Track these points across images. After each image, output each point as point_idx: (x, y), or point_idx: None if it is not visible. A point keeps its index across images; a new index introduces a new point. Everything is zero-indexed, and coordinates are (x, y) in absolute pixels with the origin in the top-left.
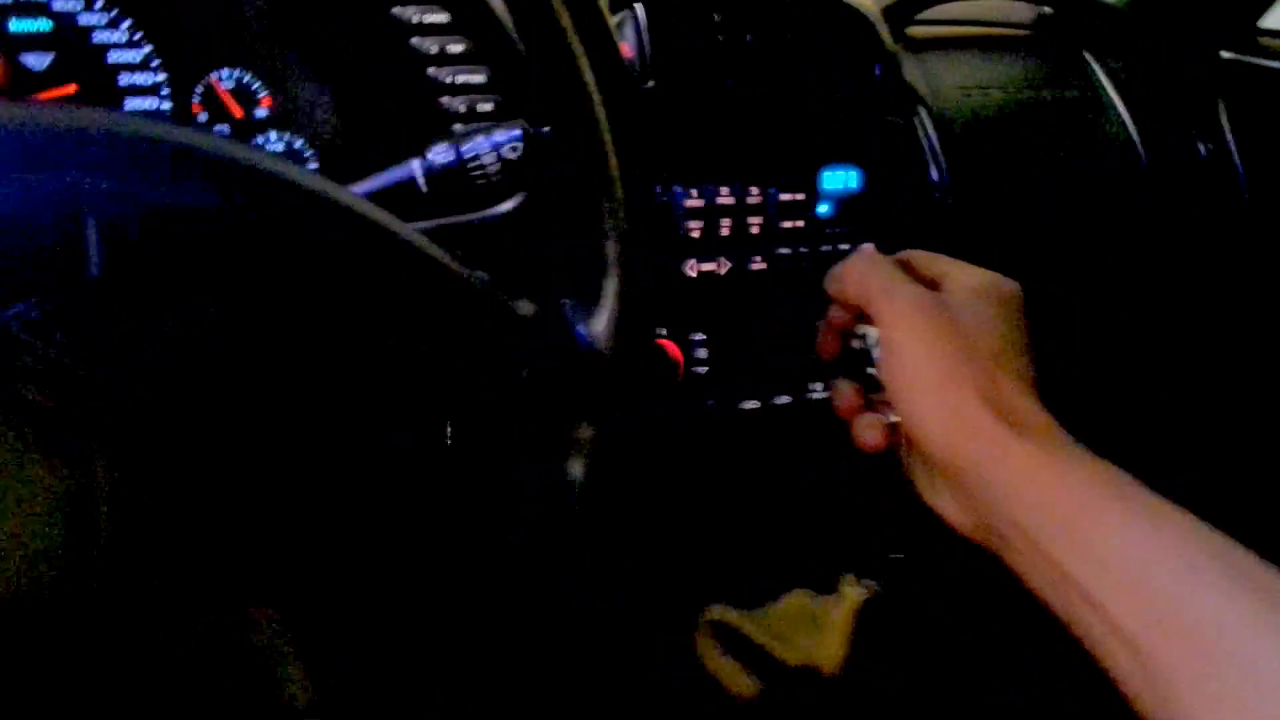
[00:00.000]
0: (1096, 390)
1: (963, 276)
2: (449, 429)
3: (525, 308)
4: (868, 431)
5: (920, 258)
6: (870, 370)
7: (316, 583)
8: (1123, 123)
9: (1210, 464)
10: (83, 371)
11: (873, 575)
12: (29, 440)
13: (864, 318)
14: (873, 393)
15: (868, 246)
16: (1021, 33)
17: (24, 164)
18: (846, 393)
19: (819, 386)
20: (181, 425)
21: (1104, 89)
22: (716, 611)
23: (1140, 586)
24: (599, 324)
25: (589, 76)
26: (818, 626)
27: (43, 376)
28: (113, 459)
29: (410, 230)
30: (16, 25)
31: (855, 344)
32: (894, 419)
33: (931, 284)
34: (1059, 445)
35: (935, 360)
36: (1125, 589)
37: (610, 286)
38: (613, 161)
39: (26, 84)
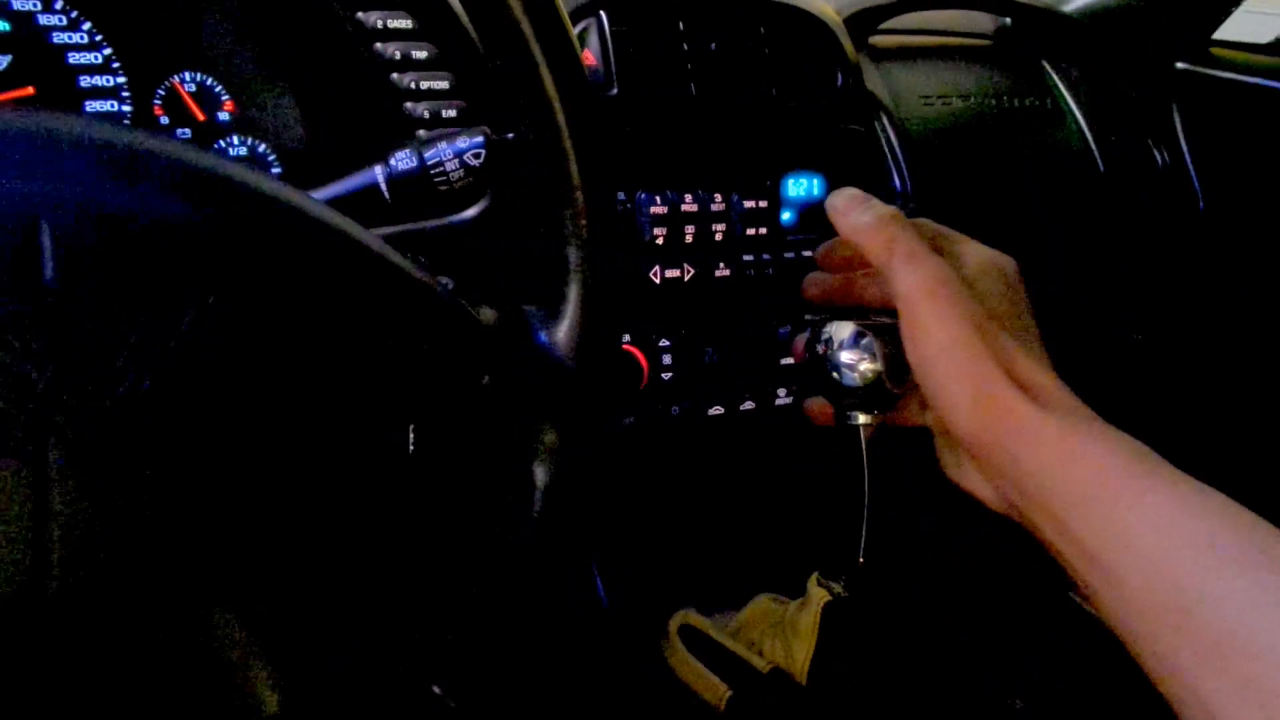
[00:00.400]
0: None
1: (972, 251)
2: (411, 436)
3: (487, 314)
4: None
5: (929, 227)
6: (835, 375)
7: (284, 587)
8: (1080, 131)
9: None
10: (37, 376)
11: (838, 577)
12: None
13: (824, 317)
14: (836, 397)
15: (889, 209)
16: (982, 42)
17: None
18: (818, 407)
19: (782, 392)
20: (140, 431)
21: (1063, 98)
22: (685, 616)
23: (1163, 565)
24: (561, 330)
25: (550, 83)
26: (786, 630)
27: None
28: (68, 464)
29: (372, 236)
30: None
31: (819, 348)
32: (863, 421)
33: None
34: (1082, 420)
35: (961, 337)
36: (1147, 566)
37: (572, 292)
38: (574, 168)
39: None
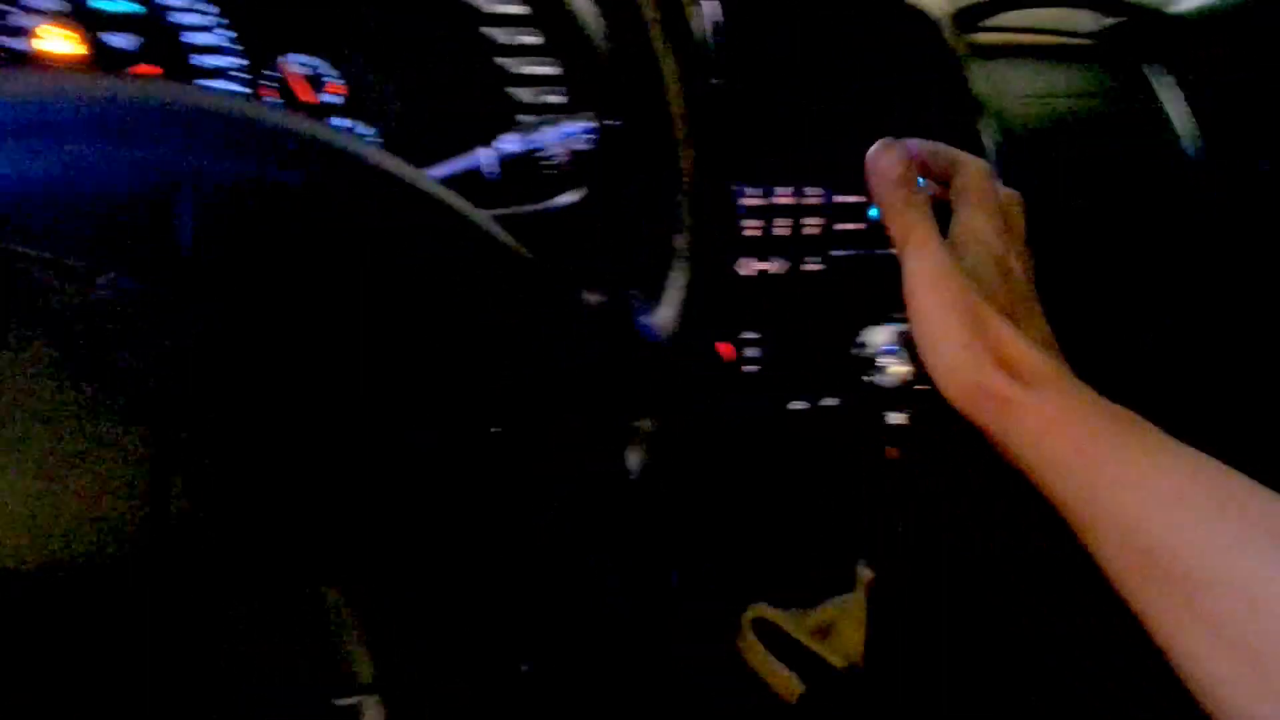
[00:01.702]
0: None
1: (971, 217)
2: (494, 424)
3: (591, 297)
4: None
5: (939, 158)
6: (869, 379)
7: (381, 565)
8: (1183, 137)
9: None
10: (169, 340)
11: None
12: (116, 406)
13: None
14: (879, 403)
15: (911, 185)
16: (1086, 42)
17: (122, 138)
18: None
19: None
20: (259, 403)
21: (1166, 102)
22: (758, 609)
23: (1135, 525)
24: (664, 316)
25: (670, 71)
26: (842, 618)
27: (132, 344)
28: (193, 431)
29: (482, 216)
30: (104, 5)
31: (855, 351)
32: (896, 420)
33: (943, 192)
34: (1062, 393)
35: (952, 330)
36: (1121, 527)
37: (677, 279)
38: (687, 155)
39: (111, 63)
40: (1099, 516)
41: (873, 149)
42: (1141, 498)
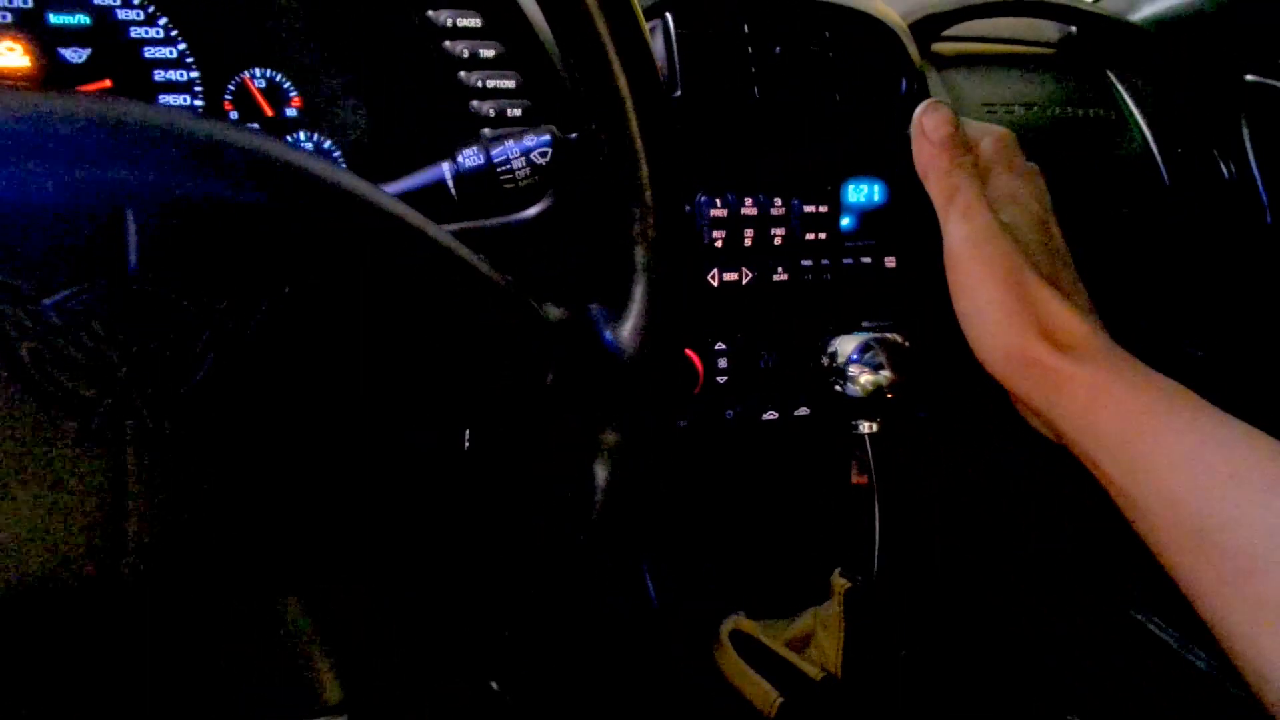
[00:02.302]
0: None
1: (1010, 186)
2: (467, 434)
3: (554, 312)
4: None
5: (969, 126)
6: (838, 388)
7: (346, 580)
8: (1146, 142)
9: None
10: (119, 362)
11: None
12: (64, 429)
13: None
14: (840, 408)
15: (959, 149)
16: (1046, 51)
17: (68, 157)
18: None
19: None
20: (214, 418)
21: (1127, 108)
22: (736, 621)
23: (1183, 499)
24: (626, 329)
25: (624, 82)
26: (818, 627)
27: (80, 366)
28: (145, 450)
29: (442, 231)
30: (55, 18)
31: (824, 361)
32: (867, 429)
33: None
34: (1113, 366)
35: (997, 297)
36: (1169, 500)
37: (638, 292)
38: (644, 168)
39: (63, 77)
40: (1148, 493)
41: (920, 108)
42: (1193, 475)
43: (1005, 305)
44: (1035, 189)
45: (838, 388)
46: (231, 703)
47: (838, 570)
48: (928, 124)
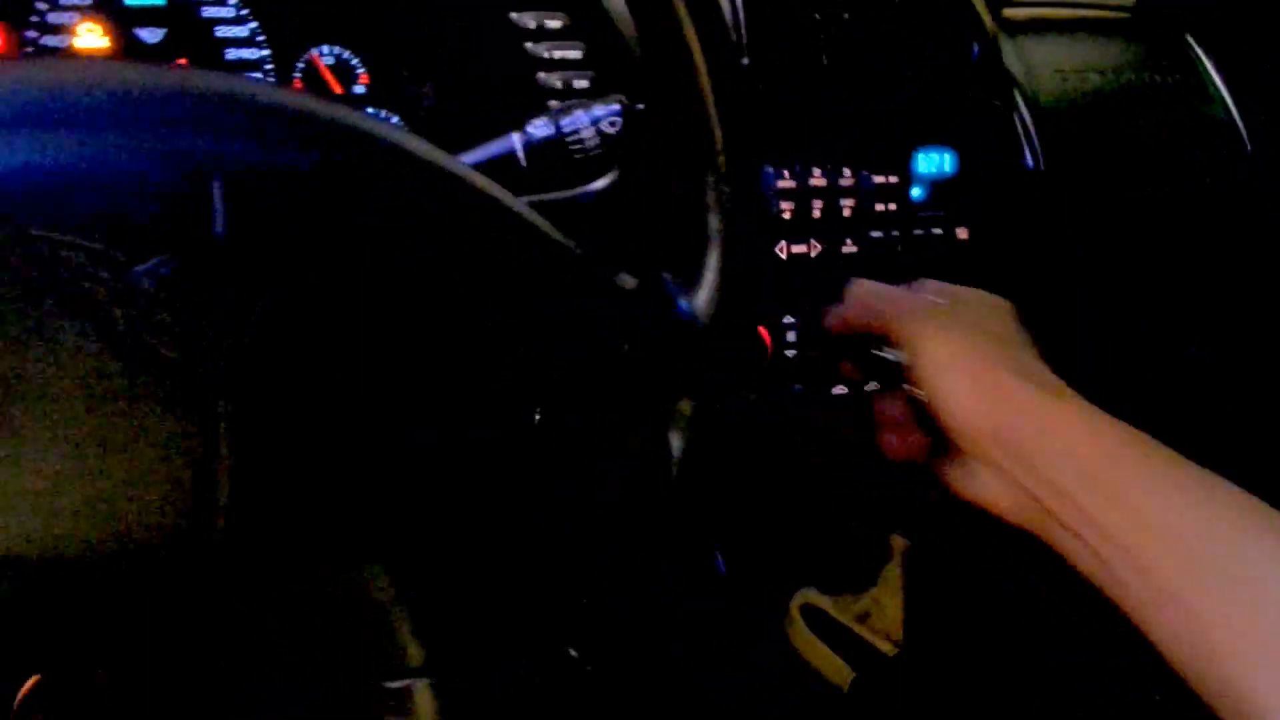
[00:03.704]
0: (1184, 383)
1: (972, 293)
2: (536, 410)
3: (627, 281)
4: (905, 444)
5: (932, 283)
6: (905, 388)
7: (430, 546)
8: (1226, 108)
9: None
10: (208, 327)
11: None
12: (157, 393)
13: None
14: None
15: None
16: (1120, 15)
17: (156, 127)
18: (897, 408)
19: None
20: (301, 385)
21: (1207, 73)
22: (806, 596)
23: (1182, 541)
24: (701, 297)
25: (696, 50)
26: (880, 590)
27: (171, 331)
28: (235, 415)
29: (518, 201)
30: (132, 0)
31: (879, 354)
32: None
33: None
34: (1092, 410)
35: (964, 346)
36: (1168, 544)
37: (712, 260)
38: (717, 134)
39: (140, 56)
40: (1138, 530)
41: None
42: (1182, 514)
43: (974, 350)
44: (991, 298)
45: (879, 354)
46: (316, 664)
47: (897, 532)
48: (856, 295)
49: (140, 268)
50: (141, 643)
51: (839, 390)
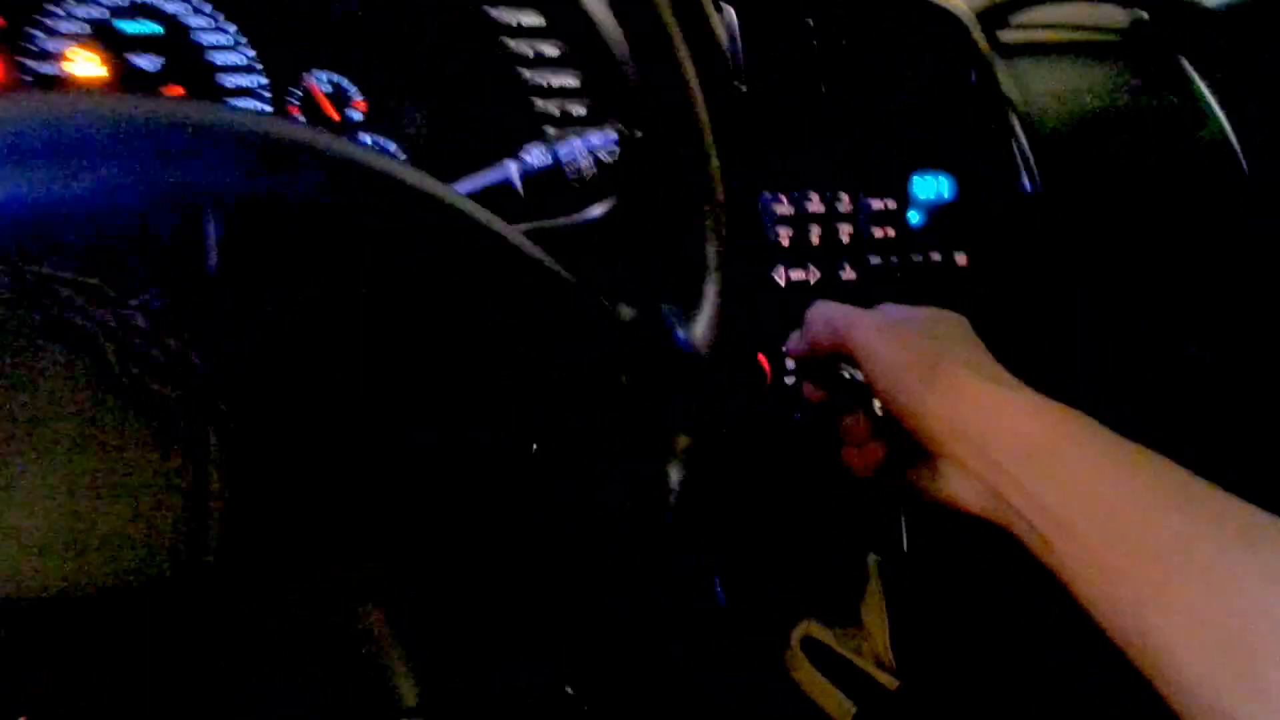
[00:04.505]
0: (1178, 397)
1: (918, 309)
2: (533, 443)
3: (626, 312)
4: (864, 457)
5: (887, 305)
6: (845, 375)
7: (426, 584)
8: (1222, 130)
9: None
10: (200, 363)
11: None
12: (149, 429)
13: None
14: (859, 398)
15: (817, 302)
16: (1115, 38)
17: (148, 159)
18: (858, 425)
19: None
20: (293, 417)
21: (1202, 96)
22: (807, 627)
23: (1109, 511)
24: (699, 327)
25: (693, 79)
26: (870, 611)
27: (163, 367)
28: (227, 451)
29: (515, 232)
30: (129, 28)
31: (846, 375)
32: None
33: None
34: (1039, 397)
35: (916, 349)
36: (1096, 514)
37: (710, 289)
38: (714, 164)
39: (137, 85)
40: (1074, 504)
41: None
42: (1116, 488)
43: (926, 352)
44: (945, 312)
45: (846, 375)
46: (310, 705)
47: (872, 554)
48: (808, 315)
49: (133, 302)
50: (133, 683)
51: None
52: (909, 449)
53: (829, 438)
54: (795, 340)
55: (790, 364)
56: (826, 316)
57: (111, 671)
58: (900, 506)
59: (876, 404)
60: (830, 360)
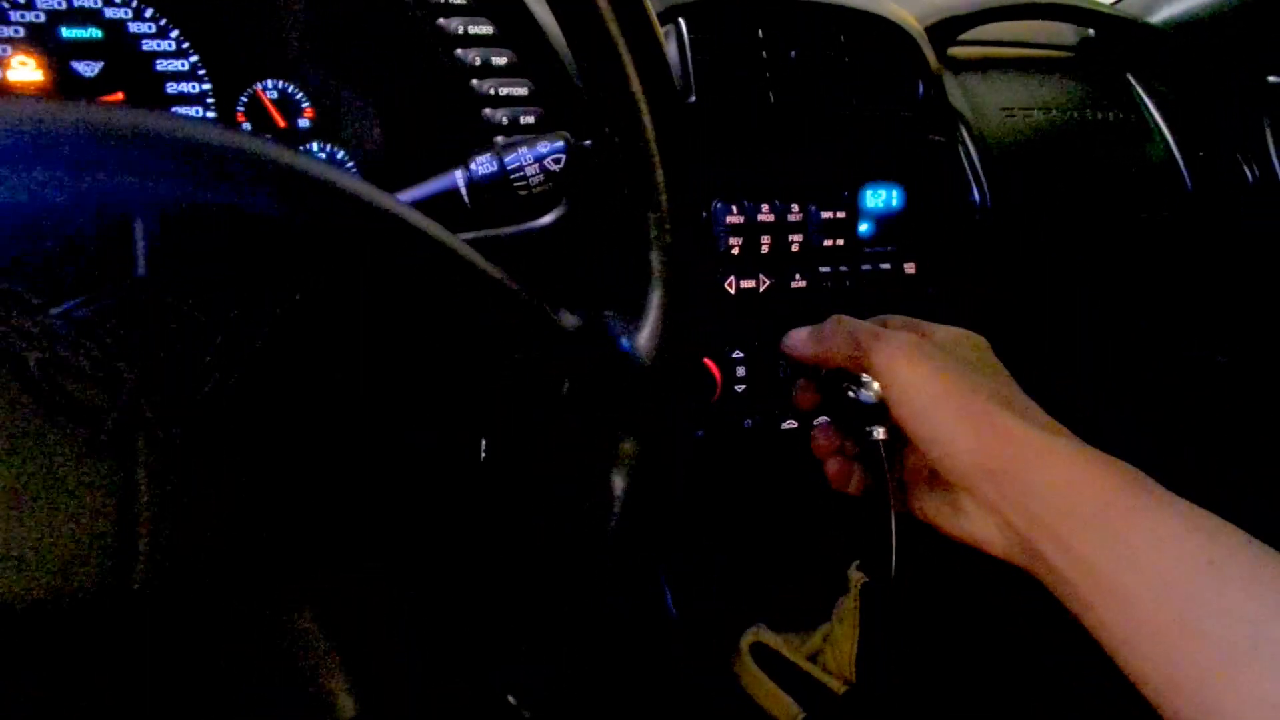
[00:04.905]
0: (1124, 412)
1: (943, 328)
2: (484, 445)
3: (569, 320)
4: (840, 472)
5: (898, 319)
6: (851, 394)
7: (362, 591)
8: (1167, 146)
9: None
10: (128, 370)
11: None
12: (74, 439)
13: (849, 375)
14: (853, 416)
15: (839, 316)
16: (1064, 54)
17: (76, 165)
18: (828, 434)
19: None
20: (225, 428)
21: (1148, 111)
22: (757, 634)
23: (1170, 582)
24: (643, 337)
25: (638, 87)
26: (834, 623)
27: (88, 375)
28: (157, 460)
29: (455, 239)
30: (68, 32)
31: (851, 394)
32: (880, 435)
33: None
34: (1084, 447)
35: (947, 381)
36: (1155, 584)
37: (655, 299)
38: (659, 173)
39: (76, 91)
40: (1131, 573)
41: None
42: (1178, 558)
43: (961, 384)
44: (968, 333)
45: (850, 394)
46: (245, 716)
47: (855, 564)
48: (791, 341)
49: (56, 309)
50: (60, 700)
51: (789, 425)
52: (916, 475)
53: (805, 450)
54: (801, 342)
55: (741, 371)
56: (850, 330)
57: (34, 688)
58: (891, 529)
59: (879, 429)
60: (836, 374)
